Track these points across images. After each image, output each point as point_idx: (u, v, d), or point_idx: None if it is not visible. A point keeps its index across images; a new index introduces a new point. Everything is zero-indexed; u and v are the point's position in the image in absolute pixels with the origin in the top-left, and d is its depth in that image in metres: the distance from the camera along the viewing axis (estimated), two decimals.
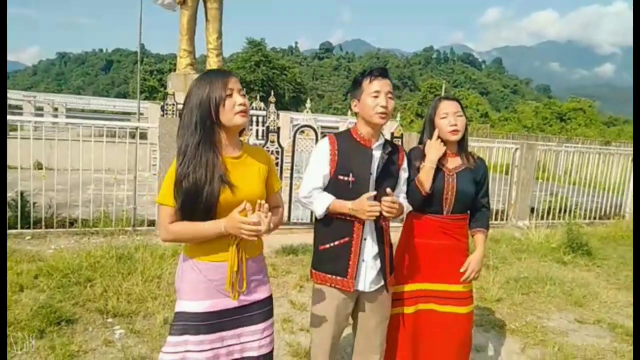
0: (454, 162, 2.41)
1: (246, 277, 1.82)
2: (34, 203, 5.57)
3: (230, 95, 1.74)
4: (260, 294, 1.91)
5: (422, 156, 2.35)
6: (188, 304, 1.77)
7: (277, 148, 6.15)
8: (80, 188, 6.01)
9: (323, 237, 2.19)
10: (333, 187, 2.13)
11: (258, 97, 15.07)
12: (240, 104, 1.74)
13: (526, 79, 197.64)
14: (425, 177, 2.28)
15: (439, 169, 2.35)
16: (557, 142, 21.16)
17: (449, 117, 2.33)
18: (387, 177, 2.17)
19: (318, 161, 2.14)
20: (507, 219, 7.83)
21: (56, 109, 18.09)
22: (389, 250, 2.25)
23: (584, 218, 8.23)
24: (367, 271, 2.16)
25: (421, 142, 2.49)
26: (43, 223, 5.46)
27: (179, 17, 15.86)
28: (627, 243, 6.81)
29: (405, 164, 2.28)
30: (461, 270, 2.37)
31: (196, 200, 1.69)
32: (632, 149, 9.08)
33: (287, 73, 56.98)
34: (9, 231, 5.24)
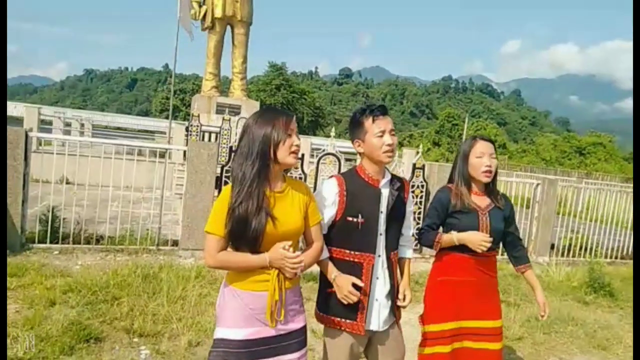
0: (483, 201, 2.48)
1: (284, 307, 1.90)
2: (64, 219, 5.73)
3: (290, 135, 1.86)
4: (296, 324, 1.98)
5: (457, 199, 2.42)
6: (229, 331, 1.85)
7: (300, 174, 6.26)
8: (99, 205, 6.17)
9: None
10: (341, 228, 2.12)
11: None
12: (296, 145, 1.88)
13: (545, 111, 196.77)
14: (445, 244, 2.41)
15: (472, 209, 2.41)
16: (577, 177, 20.98)
17: (484, 157, 2.39)
18: (396, 214, 2.20)
19: (324, 203, 2.11)
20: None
21: (83, 125, 18.59)
22: (398, 284, 2.25)
23: (605, 257, 8.10)
24: (381, 310, 2.16)
25: (451, 179, 2.55)
26: (71, 239, 5.61)
27: (206, 41, 16.38)
28: None
29: (410, 197, 2.32)
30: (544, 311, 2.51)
31: (244, 229, 1.79)
32: None
33: (307, 97, 57.68)
34: (38, 245, 5.41)
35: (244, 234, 1.80)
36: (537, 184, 7.69)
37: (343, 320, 2.12)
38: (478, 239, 2.28)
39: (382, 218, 2.15)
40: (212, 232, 1.84)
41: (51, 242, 5.52)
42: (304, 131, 43.90)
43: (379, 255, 2.16)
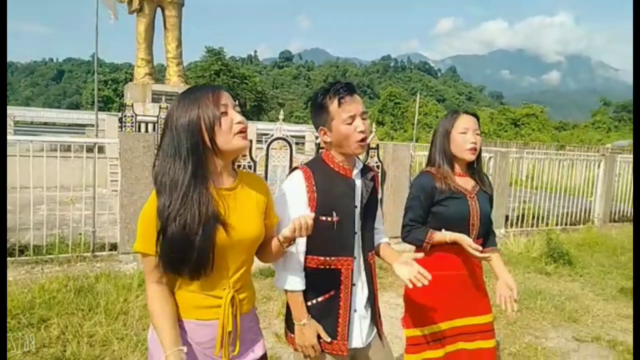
0: (468, 183, 2.17)
1: (240, 337, 1.49)
2: None
3: (225, 112, 1.39)
4: (256, 353, 1.58)
5: (443, 182, 2.08)
6: None
7: (249, 162, 5.79)
8: (31, 209, 5.42)
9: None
10: (313, 231, 1.70)
11: None
12: (239, 122, 1.41)
13: (480, 86, 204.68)
14: (437, 241, 2.06)
15: (460, 193, 2.09)
16: (517, 148, 21.73)
17: (468, 133, 2.07)
18: (371, 208, 1.86)
19: (295, 204, 1.70)
20: None
21: None
22: (376, 290, 1.91)
23: (556, 224, 8.26)
24: (362, 322, 1.82)
25: (430, 162, 2.22)
26: None
27: (135, 25, 15.23)
28: (601, 250, 6.82)
29: (380, 190, 1.99)
30: (500, 298, 2.14)
31: (186, 250, 1.33)
32: (591, 154, 9.30)
33: (248, 82, 56.40)
34: None
35: (185, 257, 1.34)
36: (490, 157, 7.64)
37: (321, 340, 1.75)
38: (467, 243, 1.97)
39: (357, 214, 1.79)
40: (142, 251, 1.39)
41: None
42: (248, 117, 42.86)
43: (355, 258, 1.80)
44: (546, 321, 4.17)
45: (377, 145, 6.71)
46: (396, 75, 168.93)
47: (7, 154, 6.22)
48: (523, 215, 8.07)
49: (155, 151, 1.51)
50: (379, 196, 1.95)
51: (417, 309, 2.14)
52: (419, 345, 2.11)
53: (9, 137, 7.32)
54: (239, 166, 6.20)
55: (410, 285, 1.68)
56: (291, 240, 1.54)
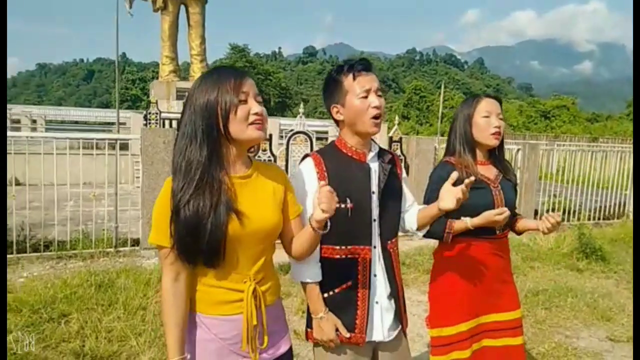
0: (491, 172, 2.04)
1: (266, 330, 1.43)
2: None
3: (245, 101, 1.34)
4: (283, 348, 1.52)
5: (465, 173, 1.95)
6: None
7: (269, 157, 5.74)
8: (50, 206, 5.49)
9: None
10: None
11: None
12: (256, 113, 1.35)
13: (508, 78, 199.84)
14: (458, 230, 1.92)
15: (483, 183, 1.96)
16: (547, 141, 21.08)
17: (491, 117, 1.95)
18: (392, 193, 1.75)
19: (304, 191, 1.65)
20: None
21: (34, 121, 17.37)
22: (401, 283, 1.82)
23: (589, 219, 7.94)
24: (384, 315, 1.73)
25: (450, 150, 2.09)
26: (14, 247, 4.96)
27: (160, 24, 15.40)
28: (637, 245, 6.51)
29: (404, 174, 1.89)
30: (545, 222, 1.86)
31: (196, 238, 1.29)
32: (626, 146, 8.90)
33: (272, 78, 56.65)
34: None
35: (197, 244, 1.29)
36: (518, 150, 7.38)
37: (339, 333, 1.68)
38: (492, 215, 1.81)
39: (375, 200, 1.70)
40: (156, 243, 1.35)
41: None
42: (272, 113, 43.04)
43: (375, 247, 1.71)
44: (578, 320, 3.98)
45: (400, 138, 6.56)
46: (421, 69, 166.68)
47: (32, 152, 6.37)
48: (553, 210, 7.77)
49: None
50: (404, 182, 1.85)
51: (442, 307, 2.03)
52: (446, 347, 1.99)
53: (32, 134, 7.47)
54: (258, 159, 6.18)
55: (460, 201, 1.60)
56: (324, 223, 1.39)
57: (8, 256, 4.87)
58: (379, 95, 1.66)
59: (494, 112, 1.96)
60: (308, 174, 1.68)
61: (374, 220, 1.70)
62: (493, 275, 2.00)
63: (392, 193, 1.76)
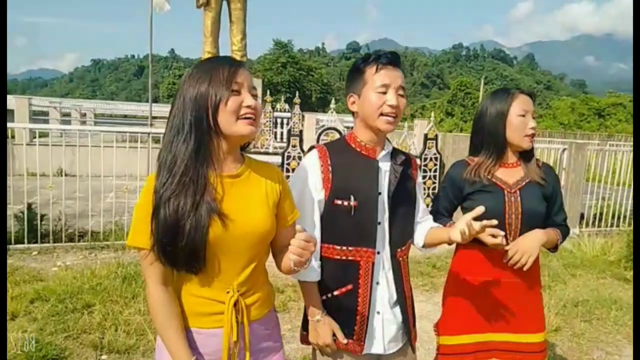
0: (514, 175, 1.84)
1: (250, 346, 1.32)
2: (42, 215, 5.23)
3: (238, 92, 1.23)
4: None
5: (474, 174, 1.80)
6: None
7: (299, 153, 5.66)
8: (90, 197, 5.66)
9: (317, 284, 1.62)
10: (327, 216, 1.57)
11: (283, 99, 14.68)
12: (249, 106, 1.24)
13: (560, 74, 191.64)
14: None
15: (495, 186, 1.79)
16: (600, 140, 19.97)
17: (527, 116, 1.77)
18: (404, 198, 1.62)
19: (307, 185, 1.56)
20: None
21: (84, 115, 18.13)
22: (410, 293, 1.69)
23: None
24: (385, 326, 1.61)
25: (475, 148, 1.92)
26: (51, 237, 5.13)
27: (202, 20, 15.66)
28: None
29: (420, 179, 1.75)
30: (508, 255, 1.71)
31: (175, 238, 1.18)
32: None
33: (314, 74, 56.73)
34: (16, 246, 4.93)
35: (174, 246, 1.19)
36: (564, 149, 6.97)
37: (336, 339, 1.58)
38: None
39: (383, 201, 1.57)
40: (134, 245, 1.25)
41: (29, 242, 5.04)
42: (313, 108, 43.12)
43: (378, 252, 1.58)
44: (621, 335, 3.68)
45: (436, 135, 6.33)
46: (468, 65, 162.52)
47: (70, 143, 6.60)
48: (601, 214, 7.32)
49: None
50: (418, 187, 1.72)
51: (451, 316, 1.88)
52: (449, 356, 1.85)
53: (66, 127, 7.73)
54: (288, 157, 6.03)
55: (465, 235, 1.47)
56: (302, 263, 1.26)
57: (44, 245, 5.06)
58: (400, 95, 1.54)
59: (530, 111, 1.78)
60: (312, 165, 1.58)
61: (379, 223, 1.58)
62: (511, 289, 1.81)
63: (404, 197, 1.63)
